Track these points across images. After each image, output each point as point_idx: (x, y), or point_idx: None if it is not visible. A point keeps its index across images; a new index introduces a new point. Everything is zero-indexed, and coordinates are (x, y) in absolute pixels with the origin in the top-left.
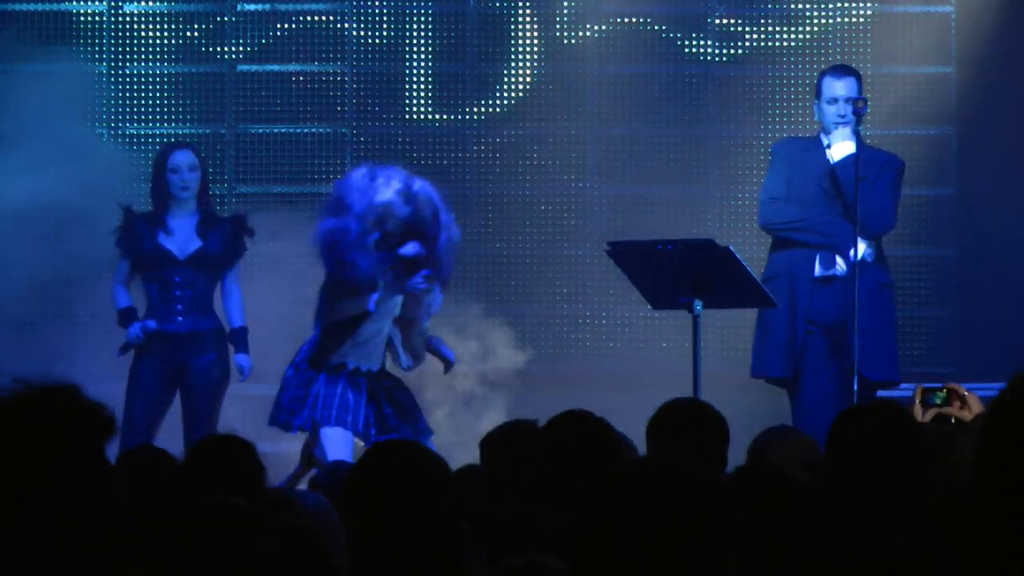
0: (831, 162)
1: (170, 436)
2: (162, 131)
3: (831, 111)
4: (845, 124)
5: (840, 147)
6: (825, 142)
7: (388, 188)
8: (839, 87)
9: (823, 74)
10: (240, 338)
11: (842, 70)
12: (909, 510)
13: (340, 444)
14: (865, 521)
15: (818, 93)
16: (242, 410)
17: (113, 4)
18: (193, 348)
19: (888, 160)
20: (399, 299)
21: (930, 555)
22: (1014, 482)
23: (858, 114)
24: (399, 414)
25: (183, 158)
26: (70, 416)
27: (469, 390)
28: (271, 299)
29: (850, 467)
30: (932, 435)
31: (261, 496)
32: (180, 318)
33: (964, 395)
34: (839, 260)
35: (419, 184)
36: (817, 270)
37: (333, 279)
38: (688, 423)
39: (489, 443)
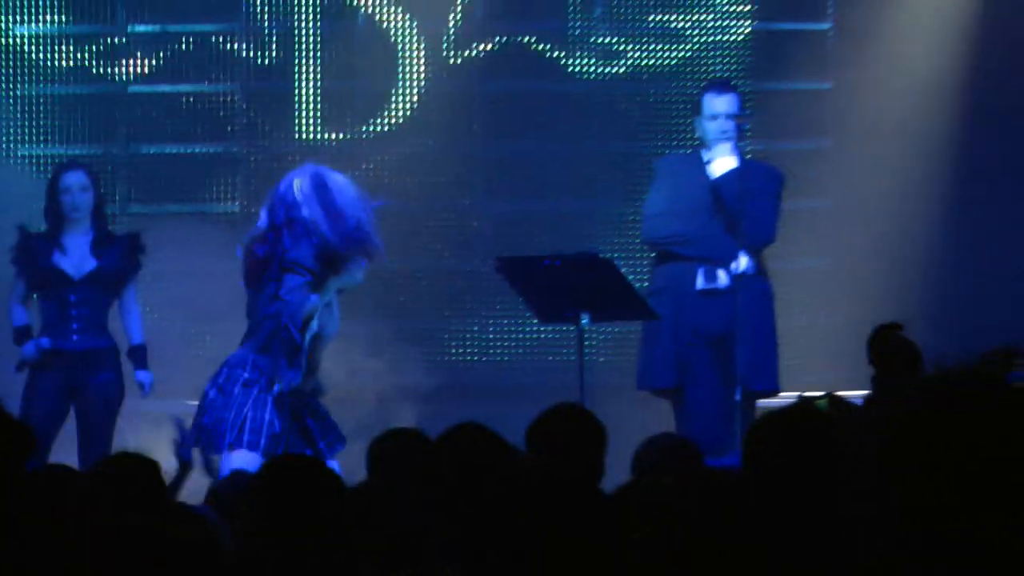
0: (712, 177)
1: (64, 452)
2: (55, 152)
3: (712, 127)
4: (726, 140)
5: (721, 162)
6: (706, 158)
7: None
8: (720, 104)
9: (704, 91)
10: (140, 355)
11: (722, 87)
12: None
13: (248, 463)
14: (788, 521)
15: (699, 110)
16: (136, 425)
17: (4, 26)
18: (89, 366)
19: (769, 173)
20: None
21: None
22: (926, 493)
23: (739, 130)
24: (319, 426)
25: (75, 179)
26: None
27: (365, 404)
28: (169, 315)
29: (775, 470)
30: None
31: (162, 511)
32: (76, 336)
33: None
34: (721, 273)
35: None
36: (700, 283)
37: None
38: (567, 430)
39: (376, 454)
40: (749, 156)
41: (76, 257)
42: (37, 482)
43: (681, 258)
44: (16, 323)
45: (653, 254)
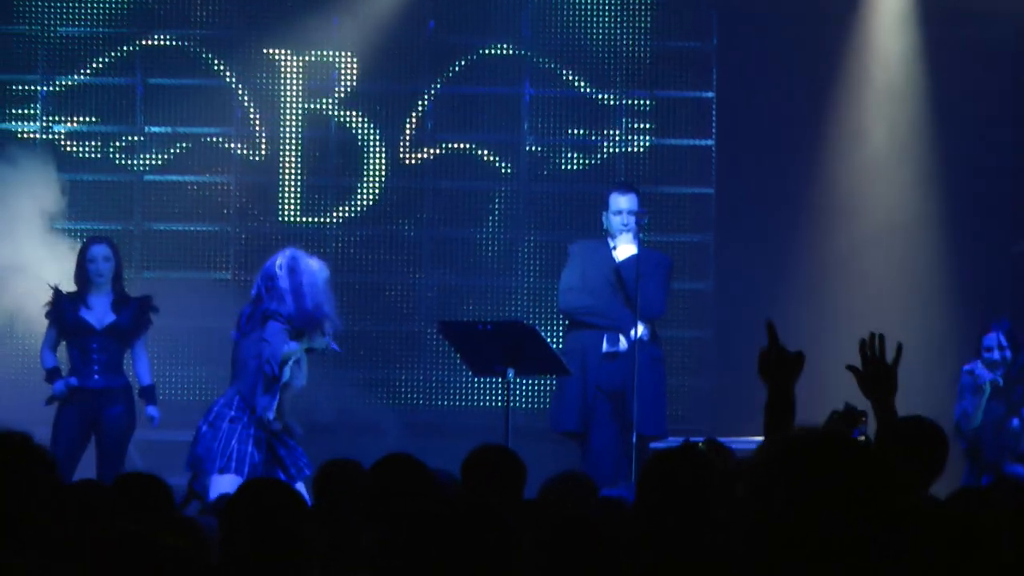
0: (616, 261)
1: (85, 473)
2: (83, 226)
3: (616, 220)
4: (628, 231)
5: (623, 248)
6: (611, 244)
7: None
8: (623, 201)
9: (610, 191)
10: (150, 393)
11: (625, 188)
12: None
13: (233, 486)
14: (672, 540)
15: (606, 206)
16: (143, 451)
17: (45, 124)
18: (106, 401)
19: (661, 259)
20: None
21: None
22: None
23: (639, 224)
24: (288, 455)
25: (99, 251)
26: (26, 455)
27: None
28: (172, 361)
29: (664, 501)
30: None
31: (169, 522)
32: (97, 376)
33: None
34: (622, 339)
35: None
36: (605, 347)
37: (294, 325)
38: (494, 466)
39: (320, 480)
40: (646, 245)
41: (98, 313)
42: (70, 493)
43: (589, 326)
44: (47, 365)
45: (566, 322)
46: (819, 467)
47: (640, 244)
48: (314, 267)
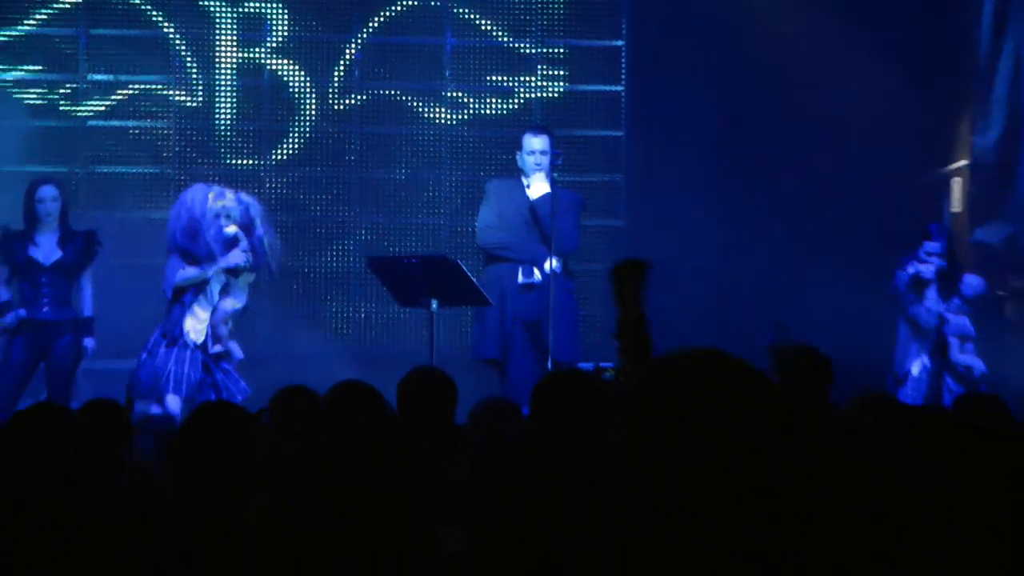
0: (530, 199)
1: (32, 398)
2: (31, 169)
3: (530, 160)
4: (540, 170)
5: (537, 187)
6: (526, 183)
7: (223, 198)
8: (536, 142)
9: (524, 132)
10: (88, 325)
11: (538, 129)
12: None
13: (174, 406)
14: (569, 461)
15: (520, 146)
16: (92, 380)
17: None
18: (55, 332)
19: (573, 197)
20: (217, 286)
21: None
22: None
23: (553, 164)
24: (225, 379)
25: (47, 192)
26: None
27: (266, 366)
28: (119, 294)
29: (552, 419)
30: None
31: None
32: (46, 309)
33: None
34: (536, 271)
35: (247, 198)
36: (520, 279)
37: (182, 254)
38: (427, 386)
39: (276, 405)
40: (559, 184)
41: (46, 250)
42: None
43: (505, 260)
44: (0, 299)
45: (484, 256)
46: (692, 387)
47: (553, 183)
48: (191, 199)
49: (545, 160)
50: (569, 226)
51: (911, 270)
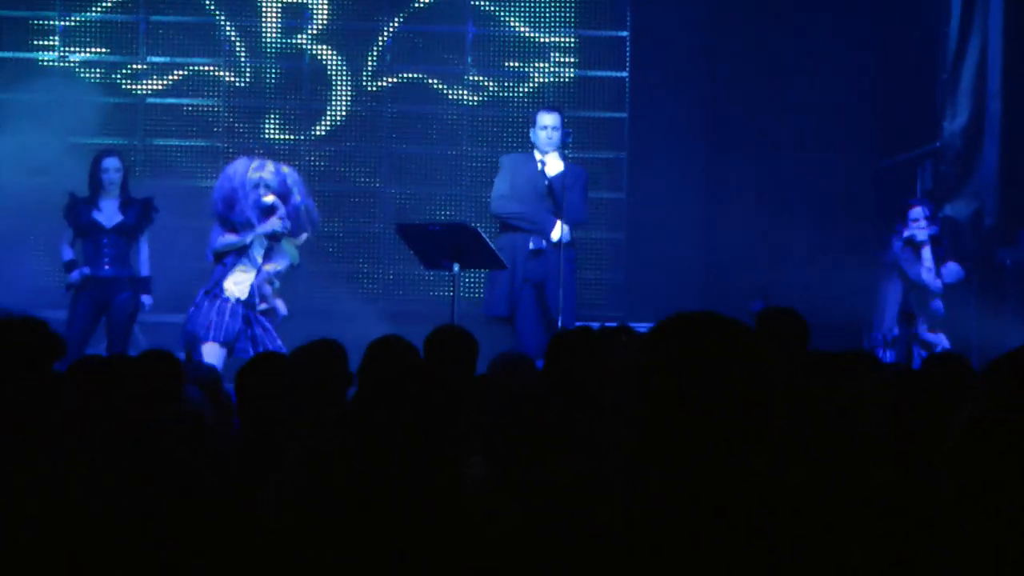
0: (546, 175)
1: (95, 349)
2: (96, 141)
3: (542, 135)
4: (552, 145)
5: (553, 164)
6: (538, 158)
7: (262, 169)
8: (547, 119)
9: (538, 111)
10: (146, 283)
11: (550, 108)
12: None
13: (215, 354)
14: (578, 402)
15: (534, 123)
16: (146, 331)
17: (62, 54)
18: (115, 288)
19: (580, 172)
20: (260, 250)
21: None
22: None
23: (564, 141)
24: (264, 335)
25: (111, 162)
26: (38, 338)
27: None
28: (173, 254)
29: (564, 368)
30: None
31: (178, 392)
32: (107, 267)
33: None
34: (544, 241)
35: (285, 169)
36: (531, 245)
37: (222, 221)
38: (453, 341)
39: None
40: (569, 160)
41: (108, 213)
42: (80, 370)
43: (516, 228)
44: (65, 258)
45: (498, 224)
46: (695, 343)
47: (565, 159)
48: (232, 171)
49: (556, 136)
50: (577, 199)
51: (905, 234)
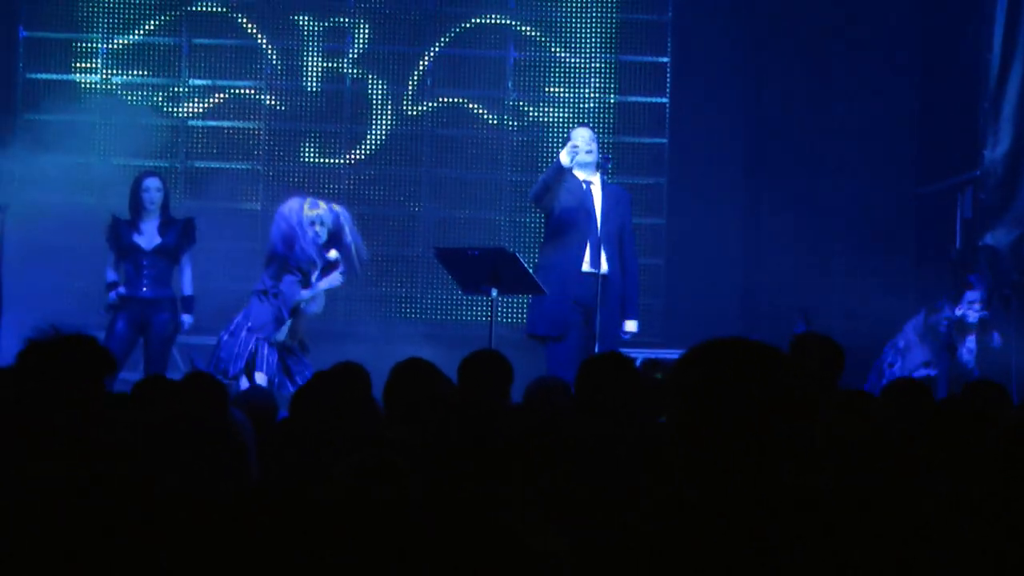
0: (592, 194)
1: (133, 369)
2: (137, 162)
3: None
4: (587, 162)
5: (595, 188)
6: (581, 177)
7: (317, 207)
8: (576, 134)
9: (573, 128)
10: (188, 303)
11: (582, 125)
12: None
13: (263, 381)
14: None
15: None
16: (186, 353)
17: (105, 76)
18: (154, 309)
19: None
20: (317, 308)
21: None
22: (694, 425)
23: (604, 167)
24: (296, 364)
25: (152, 183)
26: (88, 355)
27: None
28: (214, 276)
29: (594, 390)
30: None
31: (224, 411)
32: (146, 289)
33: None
34: (597, 262)
35: (338, 208)
36: (586, 267)
37: (282, 261)
38: (488, 367)
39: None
40: (611, 182)
41: (148, 236)
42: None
43: (565, 247)
44: (108, 280)
45: (543, 239)
46: (733, 370)
47: (605, 182)
48: (288, 210)
49: (591, 154)
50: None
51: (958, 312)
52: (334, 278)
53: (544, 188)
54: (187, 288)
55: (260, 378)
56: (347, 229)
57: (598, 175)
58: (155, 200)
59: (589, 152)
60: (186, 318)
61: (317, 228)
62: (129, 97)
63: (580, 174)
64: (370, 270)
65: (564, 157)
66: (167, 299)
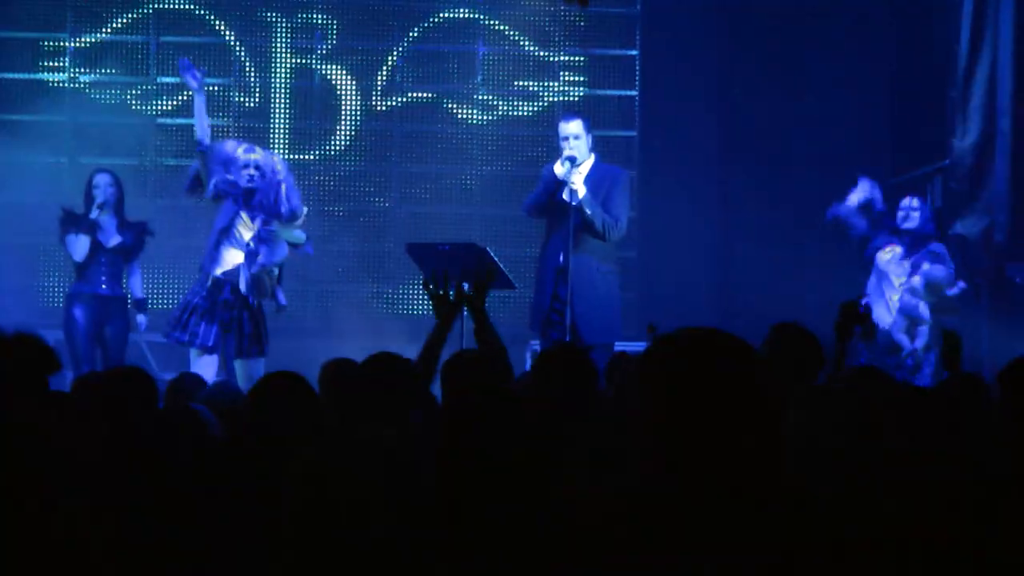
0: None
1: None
2: (106, 160)
3: (564, 146)
4: (572, 157)
5: (579, 186)
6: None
7: (254, 152)
8: (563, 128)
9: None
10: (141, 305)
11: (569, 115)
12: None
13: (205, 366)
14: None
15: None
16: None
17: (72, 75)
18: (111, 307)
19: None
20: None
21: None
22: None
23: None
24: (255, 329)
25: (103, 179)
26: (31, 353)
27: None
28: (170, 275)
29: (543, 381)
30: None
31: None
32: (104, 286)
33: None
34: (562, 256)
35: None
36: (560, 261)
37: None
38: (475, 365)
39: (323, 376)
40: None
41: (108, 233)
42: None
43: (548, 240)
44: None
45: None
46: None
47: (596, 166)
48: (225, 146)
49: (579, 143)
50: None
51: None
52: (297, 233)
53: (538, 209)
54: (138, 291)
55: (205, 363)
56: (280, 168)
57: (592, 158)
58: (108, 195)
59: (577, 142)
60: (141, 319)
61: (252, 171)
62: (98, 95)
63: (562, 169)
64: (341, 266)
65: (559, 168)
66: (121, 299)
